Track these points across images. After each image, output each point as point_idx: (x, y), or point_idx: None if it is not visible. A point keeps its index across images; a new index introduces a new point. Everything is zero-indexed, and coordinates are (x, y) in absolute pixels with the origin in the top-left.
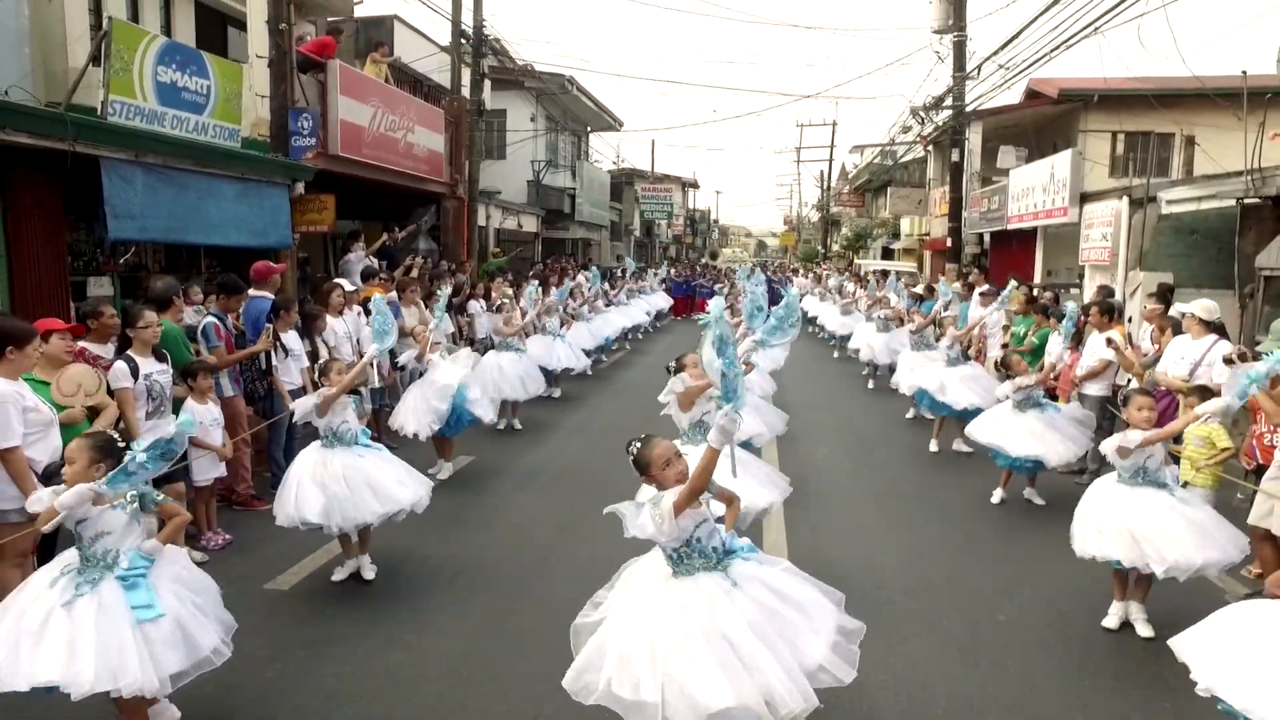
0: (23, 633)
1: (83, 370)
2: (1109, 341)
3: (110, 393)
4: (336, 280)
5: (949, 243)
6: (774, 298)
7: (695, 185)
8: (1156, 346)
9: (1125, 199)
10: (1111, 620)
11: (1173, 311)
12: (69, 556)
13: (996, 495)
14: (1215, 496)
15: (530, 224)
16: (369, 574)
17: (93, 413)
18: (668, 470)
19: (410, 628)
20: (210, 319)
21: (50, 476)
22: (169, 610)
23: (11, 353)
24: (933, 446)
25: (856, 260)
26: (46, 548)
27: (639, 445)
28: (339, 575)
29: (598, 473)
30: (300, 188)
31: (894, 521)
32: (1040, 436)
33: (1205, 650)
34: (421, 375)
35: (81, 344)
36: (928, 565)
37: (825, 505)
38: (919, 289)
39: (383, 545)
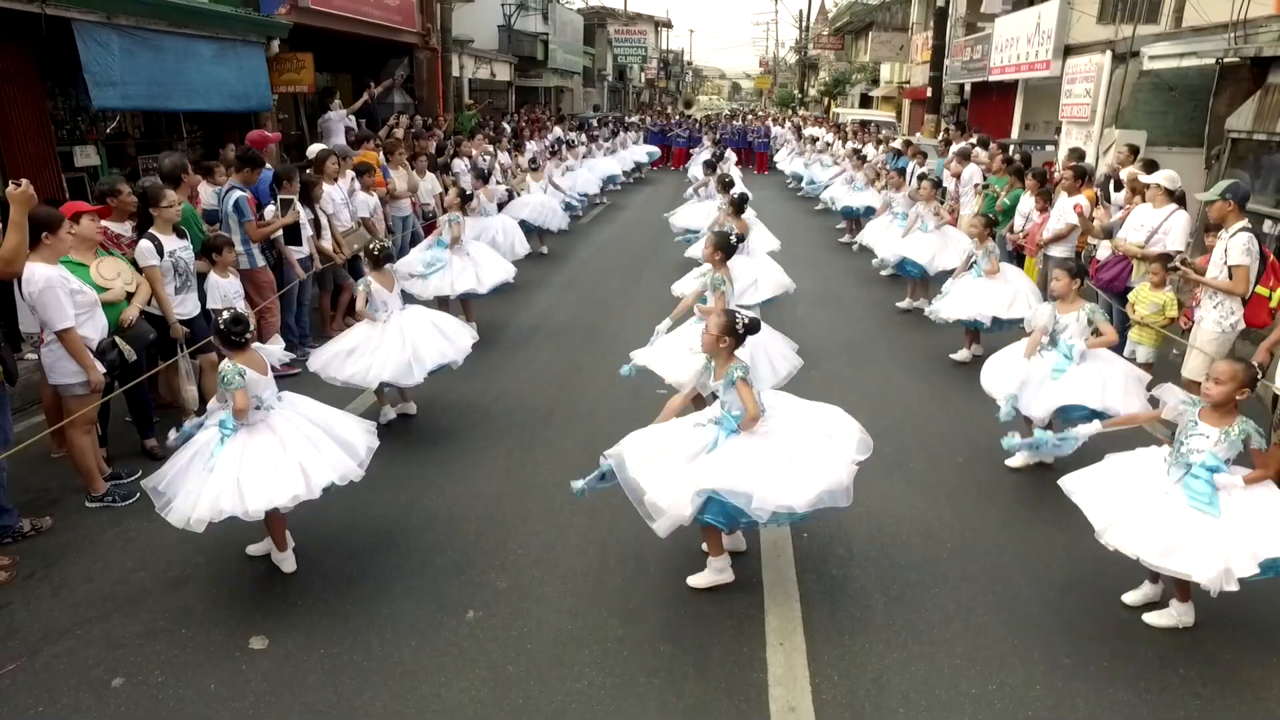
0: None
1: (119, 260)
2: (1078, 210)
3: (139, 271)
4: (325, 147)
5: (929, 92)
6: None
7: (669, 25)
8: (1127, 208)
9: (1108, 53)
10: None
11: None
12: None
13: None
14: (1157, 353)
15: (503, 73)
16: (412, 409)
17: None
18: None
19: (443, 473)
20: (239, 193)
21: (103, 353)
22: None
23: (47, 238)
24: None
25: (835, 108)
26: (104, 416)
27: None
28: (386, 418)
29: (592, 325)
30: (276, 46)
31: (866, 372)
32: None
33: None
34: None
35: (102, 223)
36: (896, 411)
37: (803, 355)
38: (897, 143)
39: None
